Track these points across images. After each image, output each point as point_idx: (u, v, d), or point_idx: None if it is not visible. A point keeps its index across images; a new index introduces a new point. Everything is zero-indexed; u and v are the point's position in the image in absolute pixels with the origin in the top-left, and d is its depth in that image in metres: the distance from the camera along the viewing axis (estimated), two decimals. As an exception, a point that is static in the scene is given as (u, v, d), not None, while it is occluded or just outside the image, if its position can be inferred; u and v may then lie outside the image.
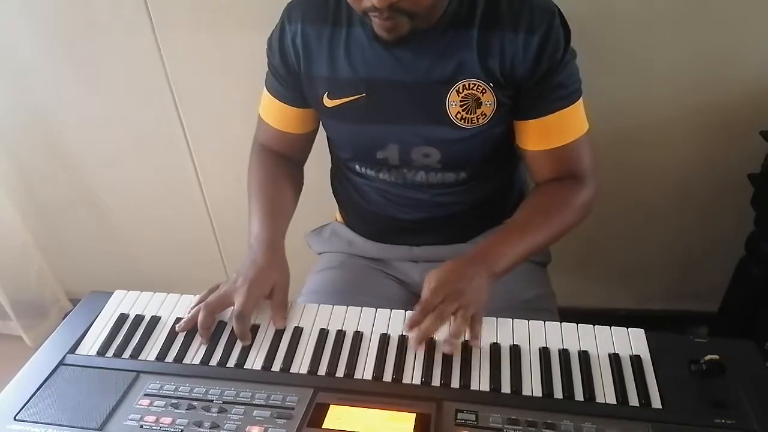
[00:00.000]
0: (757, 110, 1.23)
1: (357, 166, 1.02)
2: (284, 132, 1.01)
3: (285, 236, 0.94)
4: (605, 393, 0.70)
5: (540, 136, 0.91)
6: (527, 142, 0.92)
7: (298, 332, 0.80)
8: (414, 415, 0.67)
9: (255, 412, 0.69)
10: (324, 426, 0.67)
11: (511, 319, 0.80)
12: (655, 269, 1.57)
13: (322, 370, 0.75)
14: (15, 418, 0.69)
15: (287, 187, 1.01)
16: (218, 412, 0.69)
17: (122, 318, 0.84)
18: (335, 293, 1.02)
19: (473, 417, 0.67)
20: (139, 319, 0.84)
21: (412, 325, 0.77)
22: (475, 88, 0.87)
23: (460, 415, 0.68)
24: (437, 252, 1.05)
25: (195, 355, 0.78)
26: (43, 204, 1.66)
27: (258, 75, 1.01)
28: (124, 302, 0.87)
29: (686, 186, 1.39)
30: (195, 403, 0.70)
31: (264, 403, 0.70)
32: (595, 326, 0.79)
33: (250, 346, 0.79)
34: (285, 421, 0.67)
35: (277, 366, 0.76)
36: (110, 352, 0.79)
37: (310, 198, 1.07)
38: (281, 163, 1.03)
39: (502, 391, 0.71)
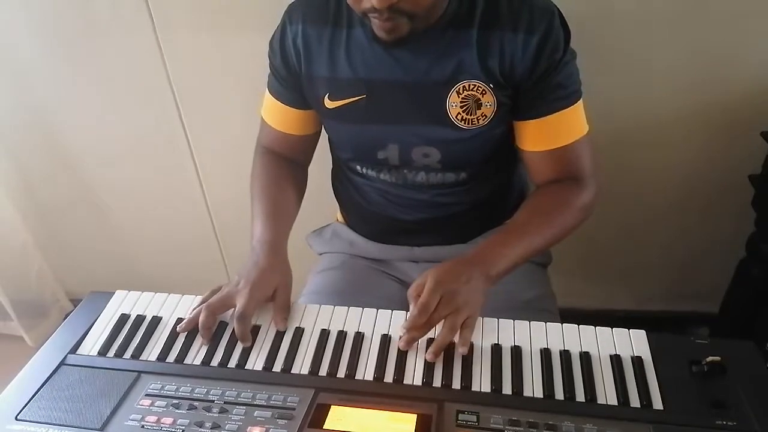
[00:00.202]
0: (758, 111, 1.23)
1: (358, 167, 1.02)
2: (286, 134, 1.02)
3: (288, 238, 0.94)
4: (606, 394, 0.70)
5: (539, 136, 0.91)
6: (527, 142, 0.92)
7: (299, 333, 0.80)
8: (415, 416, 0.67)
9: (256, 413, 0.69)
10: (325, 427, 0.67)
11: (512, 320, 0.80)
12: (655, 270, 1.57)
13: (323, 371, 0.75)
14: (16, 418, 0.69)
15: (290, 189, 1.01)
16: (219, 413, 0.69)
17: (123, 318, 0.84)
18: (336, 294, 1.02)
19: (474, 418, 0.67)
20: (140, 319, 0.84)
21: (411, 329, 0.76)
22: (475, 89, 0.87)
23: (461, 416, 0.68)
24: (438, 252, 1.05)
25: (196, 355, 0.78)
26: (43, 204, 1.66)
27: (258, 76, 1.01)
28: (125, 302, 0.87)
29: (686, 187, 1.39)
30: (196, 403, 0.70)
31: (265, 403, 0.70)
32: (596, 327, 0.79)
33: (252, 346, 0.79)
34: (286, 421, 0.67)
35: (278, 366, 0.76)
36: (111, 352, 0.79)
37: (311, 199, 1.07)
38: (284, 165, 1.03)
39: (503, 392, 0.71)
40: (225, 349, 0.78)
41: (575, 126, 0.90)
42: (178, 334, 0.81)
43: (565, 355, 0.75)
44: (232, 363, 0.77)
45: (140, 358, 0.78)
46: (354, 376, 0.74)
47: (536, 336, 0.78)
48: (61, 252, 1.75)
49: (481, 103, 0.87)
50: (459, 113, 0.88)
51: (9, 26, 1.32)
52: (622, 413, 0.68)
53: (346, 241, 1.12)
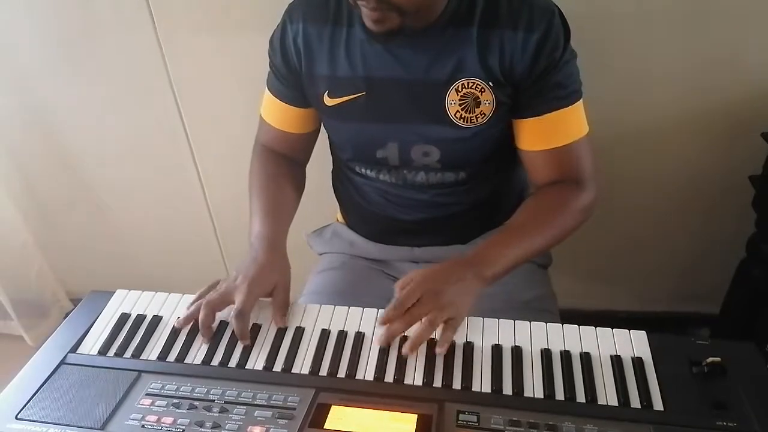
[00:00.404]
0: (758, 112, 1.23)
1: (357, 167, 1.02)
2: (285, 132, 1.02)
3: (287, 235, 0.94)
4: (607, 394, 0.70)
5: (538, 135, 0.90)
6: (525, 141, 0.92)
7: (299, 333, 0.80)
8: (415, 416, 0.67)
9: (256, 413, 0.69)
10: (325, 426, 0.67)
11: (512, 321, 0.80)
12: (656, 271, 1.57)
13: (324, 371, 0.74)
14: (17, 417, 0.69)
15: (289, 186, 1.01)
16: (220, 412, 0.69)
17: (124, 317, 0.84)
18: (336, 294, 1.02)
19: (475, 418, 0.67)
20: (140, 318, 0.84)
21: (383, 322, 0.76)
22: (474, 87, 0.87)
23: (461, 416, 0.68)
24: (438, 253, 1.05)
25: (196, 355, 0.78)
26: (44, 204, 1.66)
27: (259, 75, 1.01)
28: (126, 302, 0.87)
29: (687, 188, 1.39)
30: (196, 403, 0.70)
31: (265, 403, 0.70)
32: (597, 328, 0.79)
33: (252, 346, 0.79)
34: (286, 421, 0.67)
35: (278, 366, 0.76)
36: (112, 352, 0.79)
37: (311, 199, 1.07)
38: (283, 163, 1.03)
39: (503, 392, 0.71)
40: (225, 349, 0.78)
41: (574, 126, 0.90)
42: (178, 333, 0.81)
43: (566, 355, 0.75)
44: (233, 363, 0.77)
45: (140, 358, 0.78)
46: (354, 376, 0.74)
47: (537, 336, 0.78)
48: (61, 252, 1.75)
49: (480, 102, 0.87)
50: (458, 111, 0.88)
51: (9, 26, 1.32)
52: (622, 414, 0.68)
53: (346, 242, 1.12)
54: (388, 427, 0.67)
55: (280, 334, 0.80)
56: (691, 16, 1.14)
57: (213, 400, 0.71)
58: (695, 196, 1.40)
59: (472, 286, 0.80)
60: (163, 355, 0.78)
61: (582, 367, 0.73)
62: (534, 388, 0.71)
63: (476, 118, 0.89)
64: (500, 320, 0.80)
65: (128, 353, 0.79)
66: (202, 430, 0.67)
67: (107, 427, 0.68)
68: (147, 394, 0.72)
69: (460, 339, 0.78)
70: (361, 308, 0.83)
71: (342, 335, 0.79)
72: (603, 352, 0.76)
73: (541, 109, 0.87)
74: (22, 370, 0.76)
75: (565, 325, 0.79)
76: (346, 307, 0.84)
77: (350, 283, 1.05)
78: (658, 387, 0.71)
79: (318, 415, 0.68)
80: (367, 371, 0.74)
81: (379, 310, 0.82)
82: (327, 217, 1.20)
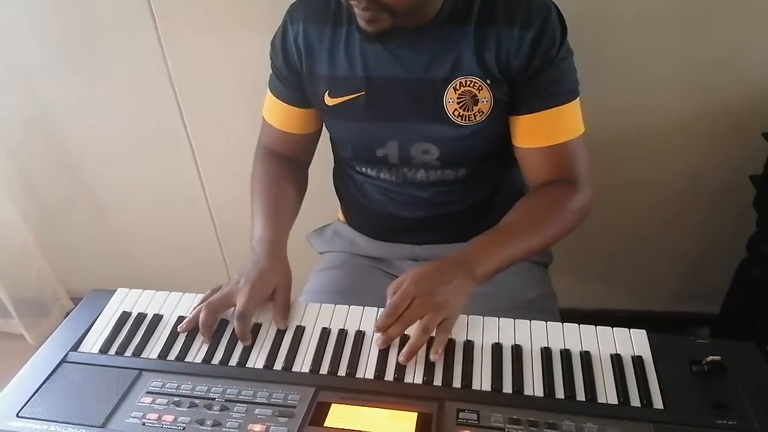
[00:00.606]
0: (759, 112, 1.23)
1: (358, 166, 1.02)
2: (288, 133, 1.02)
3: (288, 238, 0.95)
4: (607, 393, 0.70)
5: (533, 132, 0.90)
6: (521, 138, 0.92)
7: (300, 331, 0.80)
8: (415, 414, 0.68)
9: (257, 411, 0.69)
10: (325, 425, 0.67)
11: (512, 320, 0.80)
12: (656, 271, 1.57)
13: (324, 369, 0.75)
14: (18, 415, 0.70)
15: (290, 188, 1.01)
16: (220, 411, 0.69)
17: (124, 316, 0.84)
18: (337, 293, 1.02)
19: (475, 416, 0.67)
20: (141, 317, 0.84)
21: (380, 329, 0.76)
22: (471, 85, 0.87)
23: (461, 415, 0.68)
24: (439, 251, 1.05)
25: (197, 353, 0.78)
26: (44, 203, 1.66)
27: (260, 75, 1.01)
28: (127, 300, 0.87)
29: (687, 188, 1.39)
30: (197, 401, 0.70)
31: (266, 401, 0.70)
32: (597, 326, 0.79)
33: (252, 345, 0.79)
34: (287, 419, 0.68)
35: (279, 365, 0.76)
36: (113, 350, 0.79)
37: (312, 198, 1.07)
38: (285, 165, 1.04)
39: (503, 390, 0.71)
40: (226, 348, 0.78)
41: (570, 125, 0.89)
42: (179, 332, 0.81)
43: (566, 354, 0.75)
44: (233, 361, 0.77)
45: (141, 356, 0.78)
46: (355, 375, 0.74)
47: (537, 335, 0.78)
48: (61, 251, 1.75)
49: (478, 99, 0.88)
50: (456, 109, 0.88)
51: (10, 26, 1.32)
52: (622, 412, 0.68)
53: (347, 240, 1.12)
54: (388, 426, 0.67)
55: (281, 332, 0.81)
56: (691, 17, 1.14)
57: (213, 399, 0.71)
58: (696, 195, 1.40)
59: (465, 285, 0.80)
60: (164, 353, 0.78)
61: (582, 366, 0.74)
62: (534, 386, 0.72)
63: (474, 116, 0.89)
64: (500, 319, 0.80)
65: (129, 352, 0.79)
66: (203, 428, 0.67)
67: (108, 425, 0.68)
68: (148, 393, 0.72)
69: (460, 338, 0.78)
70: (362, 307, 0.84)
71: (342, 334, 0.79)
72: (603, 351, 0.76)
73: (537, 106, 0.87)
74: (23, 369, 0.76)
75: (565, 323, 0.79)
76: (347, 306, 0.84)
77: (351, 281, 1.05)
78: (658, 386, 0.71)
79: (318, 413, 0.68)
80: (367, 370, 0.74)
81: (380, 309, 0.82)
82: (328, 217, 1.20)
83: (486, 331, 0.79)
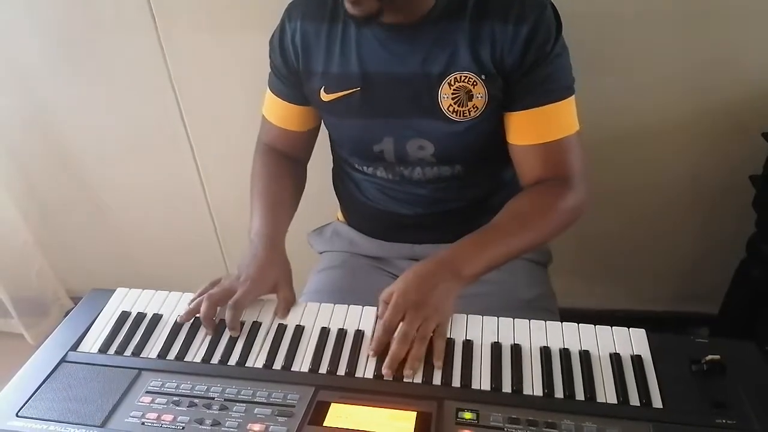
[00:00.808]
0: (758, 112, 1.23)
1: (356, 164, 1.03)
2: (287, 130, 1.02)
3: (286, 233, 0.95)
4: (606, 392, 0.70)
5: (527, 129, 0.89)
6: (514, 135, 0.91)
7: (299, 331, 0.80)
8: (415, 413, 0.67)
9: (256, 410, 0.69)
10: (325, 424, 0.67)
11: (512, 319, 0.80)
12: (655, 271, 1.57)
13: (324, 369, 0.75)
14: (17, 415, 0.70)
15: (289, 184, 1.02)
16: (219, 410, 0.69)
17: (124, 315, 0.84)
18: (337, 292, 1.03)
19: (474, 416, 0.67)
20: (140, 316, 0.84)
21: (378, 349, 0.75)
22: (466, 80, 0.87)
23: (460, 414, 0.68)
24: (438, 250, 1.05)
25: (197, 353, 0.78)
26: (44, 203, 1.66)
27: (260, 75, 1.02)
28: (126, 300, 0.87)
29: (687, 187, 1.39)
30: (196, 400, 0.70)
31: (265, 401, 0.70)
32: (596, 326, 0.79)
33: (252, 344, 0.79)
34: (286, 419, 0.68)
35: (278, 364, 0.76)
36: (112, 350, 0.79)
37: (311, 198, 1.07)
38: (284, 162, 1.04)
39: (502, 390, 0.71)
40: (225, 347, 0.78)
41: (564, 122, 0.88)
42: (178, 332, 0.81)
43: (565, 353, 0.75)
44: (233, 360, 0.77)
45: (141, 356, 0.78)
46: (354, 374, 0.74)
47: (536, 334, 0.78)
48: (61, 251, 1.75)
49: (473, 95, 0.87)
50: (450, 105, 0.88)
51: (10, 26, 1.33)
52: (621, 412, 0.68)
53: (347, 240, 1.12)
54: (387, 425, 0.67)
55: (280, 332, 0.81)
56: (691, 17, 1.14)
57: (213, 398, 0.71)
58: (695, 195, 1.40)
59: (452, 286, 0.80)
60: (163, 353, 0.78)
61: (581, 365, 0.73)
62: (533, 385, 0.71)
63: (469, 112, 0.89)
64: (499, 318, 0.80)
65: (128, 351, 0.79)
66: (202, 427, 0.67)
67: (107, 424, 0.68)
68: (147, 392, 0.72)
69: (459, 337, 0.78)
70: (361, 307, 0.84)
71: (342, 333, 0.79)
72: (602, 350, 0.76)
73: (531, 102, 0.87)
74: (23, 368, 0.76)
75: (564, 323, 0.79)
76: (346, 306, 0.84)
77: (350, 281, 1.05)
78: (657, 385, 0.71)
79: (317, 412, 0.68)
80: (366, 369, 0.74)
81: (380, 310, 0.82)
82: (327, 217, 1.20)
83: (485, 331, 0.79)
